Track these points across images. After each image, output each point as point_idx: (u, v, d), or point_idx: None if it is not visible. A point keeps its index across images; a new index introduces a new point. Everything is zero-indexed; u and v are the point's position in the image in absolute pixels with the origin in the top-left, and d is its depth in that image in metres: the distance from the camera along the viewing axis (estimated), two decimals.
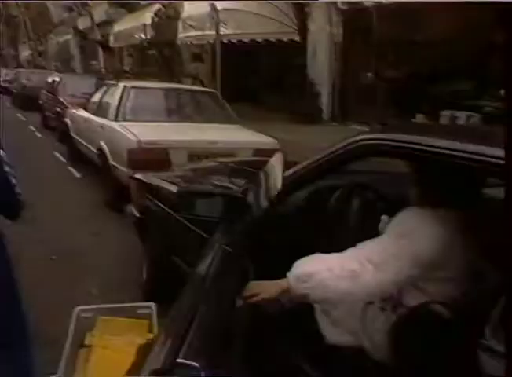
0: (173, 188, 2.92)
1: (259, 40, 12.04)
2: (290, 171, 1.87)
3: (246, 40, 12.29)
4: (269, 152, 5.12)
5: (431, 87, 10.61)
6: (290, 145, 5.68)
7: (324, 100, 11.11)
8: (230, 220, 1.85)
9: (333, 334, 1.68)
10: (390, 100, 10.49)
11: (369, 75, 10.56)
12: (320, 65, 11.10)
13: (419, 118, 9.40)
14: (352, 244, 1.54)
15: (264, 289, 1.51)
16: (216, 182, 3.08)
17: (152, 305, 2.19)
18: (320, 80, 11.01)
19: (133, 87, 6.28)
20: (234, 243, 1.72)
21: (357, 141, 1.66)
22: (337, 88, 10.93)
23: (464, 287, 1.49)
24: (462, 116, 8.63)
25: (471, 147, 1.30)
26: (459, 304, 1.46)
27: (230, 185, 2.88)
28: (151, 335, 2.01)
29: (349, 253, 1.50)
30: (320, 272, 1.43)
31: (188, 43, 14.89)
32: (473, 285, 1.49)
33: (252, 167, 3.01)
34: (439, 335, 1.37)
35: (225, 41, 12.04)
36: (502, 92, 9.66)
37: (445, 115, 8.81)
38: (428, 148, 1.38)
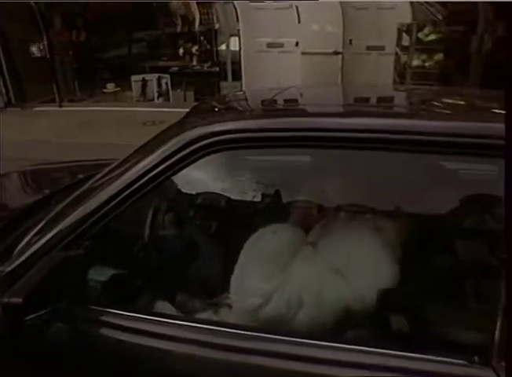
0: None
1: None
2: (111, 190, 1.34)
3: None
4: None
5: (104, 54, 10.30)
6: None
7: None
8: None
9: None
10: (72, 72, 9.67)
11: (41, 46, 9.32)
12: None
13: (111, 87, 9.00)
14: None
15: None
16: None
17: None
18: None
19: None
20: None
21: (196, 141, 1.28)
22: (7, 65, 9.31)
23: None
24: (153, 79, 8.66)
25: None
26: None
27: None
28: None
29: None
30: None
31: None
32: None
33: None
34: None
35: None
36: (180, 50, 10.09)
37: (137, 80, 8.68)
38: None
